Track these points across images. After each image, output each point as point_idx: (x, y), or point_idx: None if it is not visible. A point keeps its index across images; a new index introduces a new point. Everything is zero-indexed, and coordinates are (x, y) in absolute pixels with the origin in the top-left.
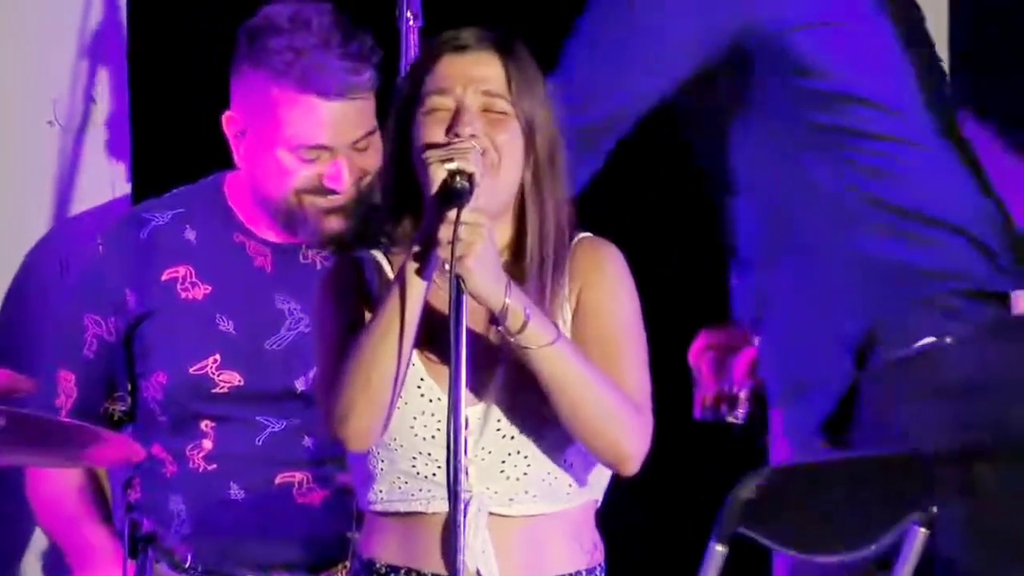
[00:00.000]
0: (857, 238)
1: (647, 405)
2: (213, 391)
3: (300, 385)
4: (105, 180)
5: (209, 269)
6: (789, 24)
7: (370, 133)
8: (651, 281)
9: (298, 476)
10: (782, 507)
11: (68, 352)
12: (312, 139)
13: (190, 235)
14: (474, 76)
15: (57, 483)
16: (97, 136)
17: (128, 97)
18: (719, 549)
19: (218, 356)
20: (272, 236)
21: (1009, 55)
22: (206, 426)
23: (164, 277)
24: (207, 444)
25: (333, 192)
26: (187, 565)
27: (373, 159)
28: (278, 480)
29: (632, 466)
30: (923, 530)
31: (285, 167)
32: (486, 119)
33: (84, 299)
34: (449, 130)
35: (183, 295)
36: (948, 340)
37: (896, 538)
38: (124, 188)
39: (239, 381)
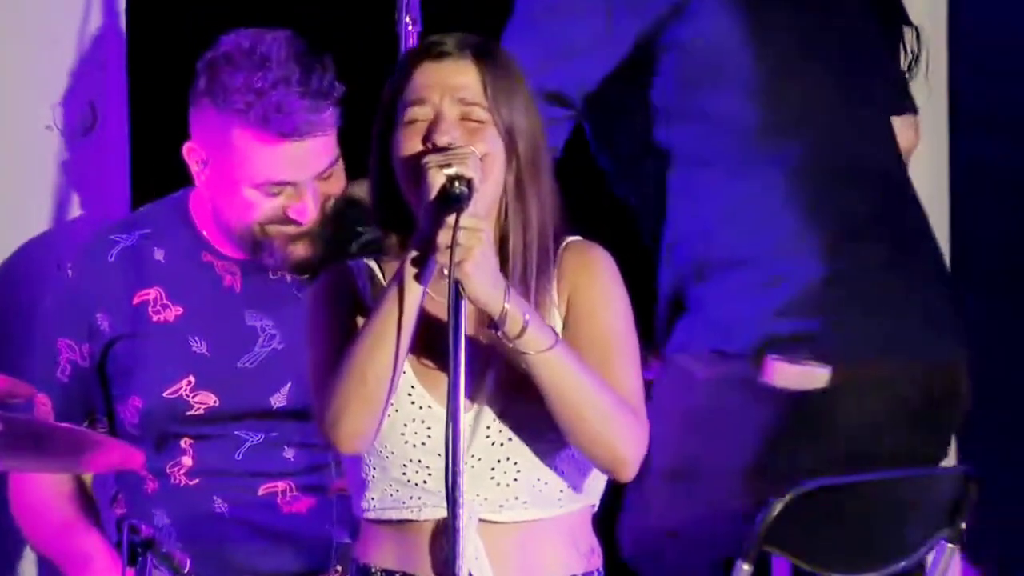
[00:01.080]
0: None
1: (642, 409)
2: (188, 413)
3: (276, 402)
4: (104, 185)
5: (179, 290)
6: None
7: (333, 162)
8: (642, 285)
9: (281, 486)
10: (808, 526)
11: (44, 376)
12: (276, 176)
13: (159, 255)
14: (451, 85)
15: (44, 493)
16: (96, 141)
17: (127, 101)
18: (745, 568)
19: (192, 378)
20: (240, 254)
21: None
22: (185, 443)
23: (135, 300)
24: (187, 461)
25: (298, 223)
26: (186, 571)
27: (337, 183)
28: (261, 491)
29: (629, 471)
30: (951, 546)
31: (249, 201)
32: (464, 128)
33: (57, 324)
34: (426, 140)
35: (154, 318)
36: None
37: (924, 555)
38: (123, 193)
39: (214, 402)
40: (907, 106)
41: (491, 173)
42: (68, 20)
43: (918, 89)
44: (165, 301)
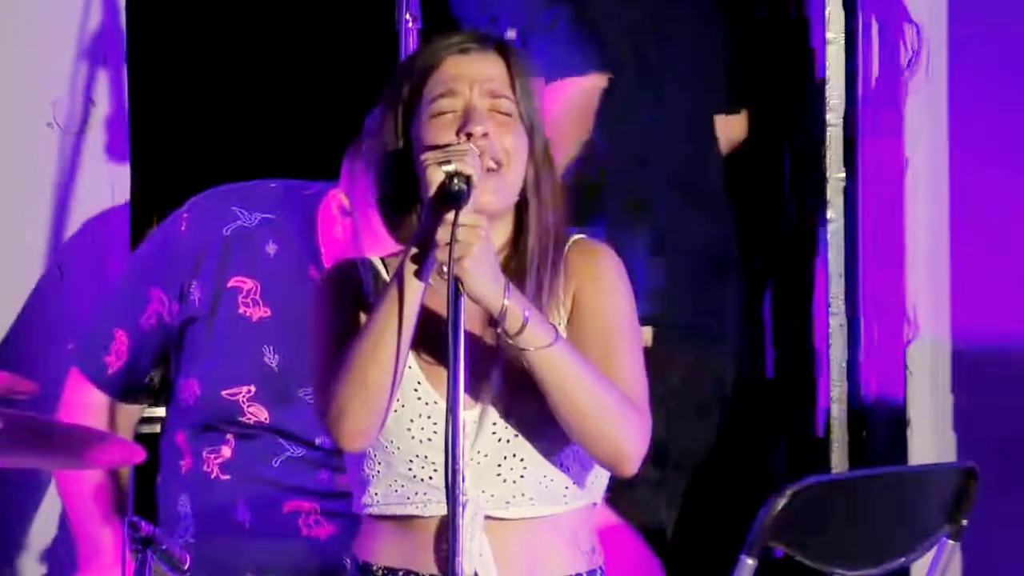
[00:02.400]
0: None
1: (645, 405)
2: (239, 418)
3: (320, 441)
4: (104, 182)
5: (275, 292)
6: None
7: None
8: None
9: (307, 506)
10: (813, 521)
11: (128, 314)
12: None
13: (271, 249)
14: (480, 76)
15: (81, 472)
16: (96, 138)
17: (127, 99)
18: (750, 563)
19: (253, 388)
20: None
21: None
22: (229, 435)
23: (230, 283)
24: (226, 452)
25: None
26: (186, 568)
27: None
28: (287, 508)
29: (631, 467)
30: (952, 542)
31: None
32: (494, 120)
33: (154, 271)
34: (460, 131)
35: (242, 309)
36: None
37: (925, 551)
38: (124, 190)
39: (265, 418)
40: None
41: (518, 165)
42: (68, 17)
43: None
44: (257, 297)
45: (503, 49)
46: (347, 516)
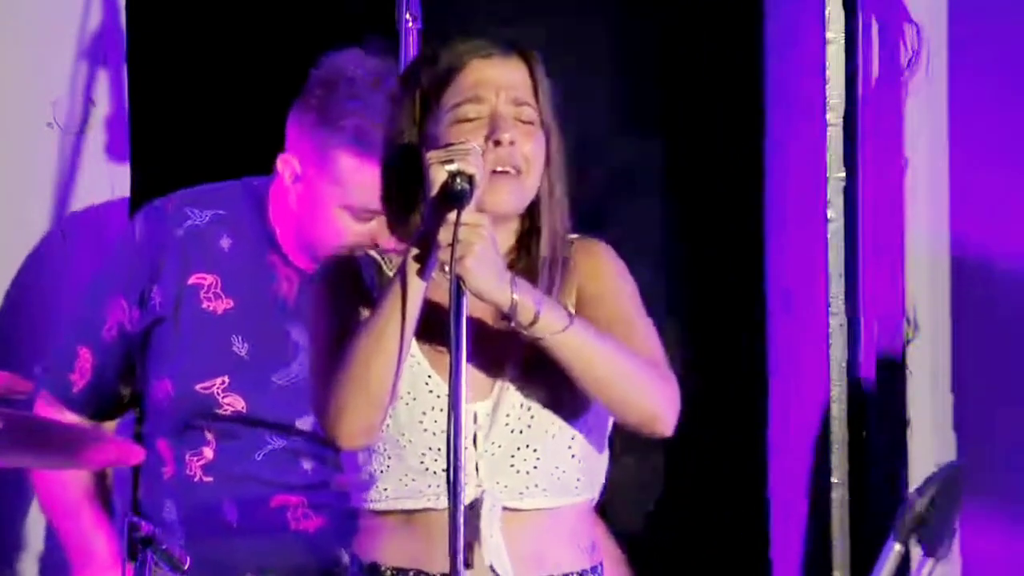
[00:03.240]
0: None
1: (668, 370)
2: (216, 411)
3: (301, 424)
4: (105, 182)
5: (235, 283)
6: None
7: None
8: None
9: (294, 500)
10: (933, 512)
11: (89, 330)
12: (374, 203)
13: (225, 243)
14: (505, 83)
15: (62, 478)
16: (96, 138)
17: (127, 98)
18: (897, 548)
19: (226, 379)
20: (305, 265)
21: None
22: (208, 435)
23: (191, 280)
24: (208, 453)
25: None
26: (186, 568)
27: None
28: (274, 503)
29: (665, 426)
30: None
31: (340, 225)
32: (517, 128)
33: (114, 282)
34: (488, 138)
35: (204, 304)
36: None
37: None
38: (124, 190)
39: (242, 407)
40: None
41: (536, 171)
42: (68, 17)
43: (918, 89)
44: (218, 290)
45: (525, 55)
46: (334, 508)
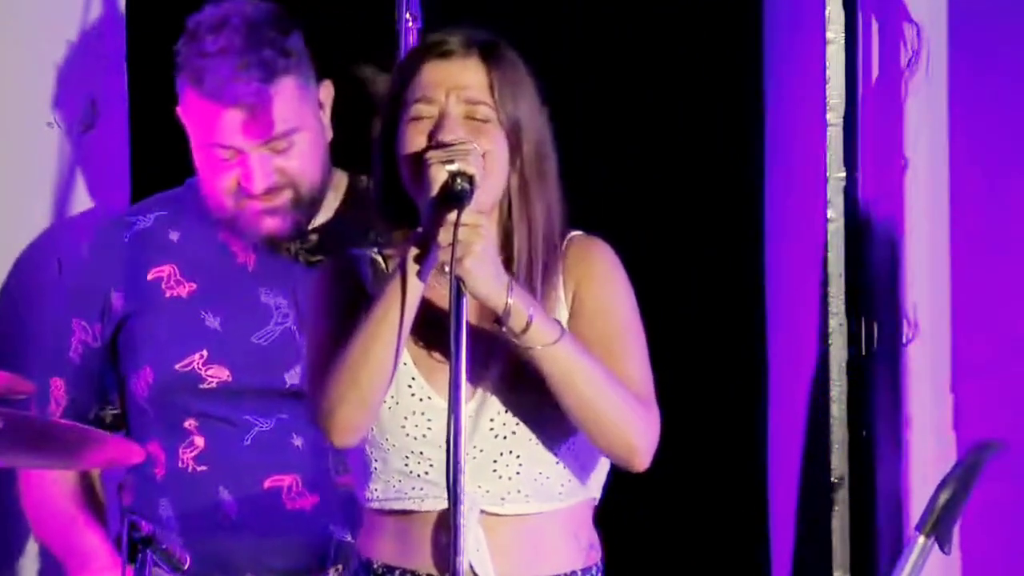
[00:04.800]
0: None
1: (653, 400)
2: (201, 386)
3: (289, 379)
4: (105, 181)
5: (193, 267)
6: None
7: (287, 133)
8: (641, 278)
9: (287, 480)
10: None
11: (55, 357)
12: (217, 139)
13: (173, 236)
14: (457, 83)
15: (50, 488)
16: (97, 137)
17: (127, 98)
18: (922, 540)
19: (205, 352)
20: (246, 225)
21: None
22: (190, 425)
23: (149, 277)
24: (199, 442)
25: (249, 193)
26: (186, 567)
27: (297, 159)
28: (267, 484)
29: (642, 461)
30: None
31: (208, 167)
32: (469, 126)
33: (71, 305)
34: (431, 138)
35: (168, 293)
36: None
37: None
38: (124, 189)
39: (227, 376)
40: None
41: (493, 170)
42: (68, 17)
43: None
44: (179, 277)
45: (486, 52)
46: (327, 485)
